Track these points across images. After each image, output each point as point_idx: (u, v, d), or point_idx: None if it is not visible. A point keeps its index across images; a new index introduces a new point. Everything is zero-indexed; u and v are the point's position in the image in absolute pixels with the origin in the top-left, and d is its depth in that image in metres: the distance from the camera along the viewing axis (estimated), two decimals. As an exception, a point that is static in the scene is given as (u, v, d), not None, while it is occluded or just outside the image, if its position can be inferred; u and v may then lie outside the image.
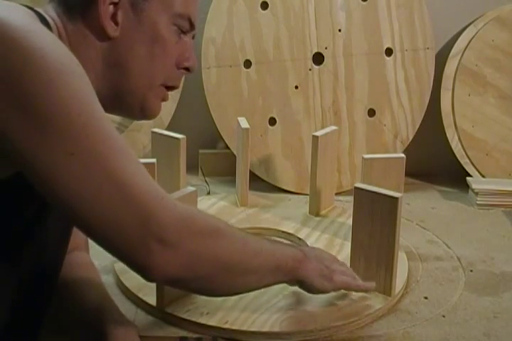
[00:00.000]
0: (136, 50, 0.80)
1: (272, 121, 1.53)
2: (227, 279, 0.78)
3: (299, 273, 0.89)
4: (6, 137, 0.65)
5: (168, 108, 1.54)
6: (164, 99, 0.86)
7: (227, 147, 1.57)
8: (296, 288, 1.03)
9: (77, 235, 0.97)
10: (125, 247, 0.69)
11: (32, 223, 0.76)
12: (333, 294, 1.00)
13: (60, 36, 0.77)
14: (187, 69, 0.86)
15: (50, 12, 0.79)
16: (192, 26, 0.85)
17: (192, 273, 0.73)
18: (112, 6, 0.78)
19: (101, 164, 0.67)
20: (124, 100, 0.82)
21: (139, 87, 0.82)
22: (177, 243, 0.70)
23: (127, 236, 0.68)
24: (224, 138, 1.55)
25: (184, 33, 0.84)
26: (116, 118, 1.54)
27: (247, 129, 1.30)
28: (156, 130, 1.31)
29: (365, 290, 0.98)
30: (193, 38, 0.88)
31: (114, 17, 0.78)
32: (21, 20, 0.68)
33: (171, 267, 0.70)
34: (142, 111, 0.84)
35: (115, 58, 0.80)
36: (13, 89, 0.65)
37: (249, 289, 0.84)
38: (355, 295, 1.01)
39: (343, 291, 0.99)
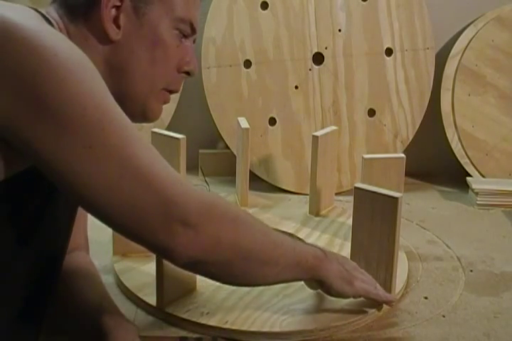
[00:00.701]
0: (137, 54, 0.80)
1: (272, 121, 1.53)
2: (247, 267, 0.79)
3: (319, 272, 0.88)
4: (21, 135, 0.66)
5: (168, 108, 1.54)
6: (165, 102, 0.86)
7: (227, 147, 1.57)
8: (296, 288, 1.03)
9: (77, 235, 0.97)
10: (148, 231, 0.70)
11: (40, 211, 0.77)
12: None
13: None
14: (187, 73, 0.86)
15: (52, 13, 0.79)
16: (193, 30, 0.85)
17: (212, 256, 0.74)
18: (114, 10, 0.78)
19: (119, 154, 0.68)
20: (125, 103, 0.82)
21: (140, 90, 0.82)
22: (199, 225, 0.71)
23: (150, 221, 0.69)
24: (224, 138, 1.55)
25: (185, 37, 0.85)
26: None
27: (247, 129, 1.30)
28: (156, 130, 1.31)
29: (386, 302, 0.96)
30: (194, 42, 0.88)
31: (116, 20, 0.79)
32: (30, 20, 0.69)
33: (192, 248, 0.71)
34: (143, 114, 0.85)
35: (116, 61, 0.80)
36: (28, 88, 0.65)
37: (267, 281, 0.85)
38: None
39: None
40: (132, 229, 0.71)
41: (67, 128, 0.66)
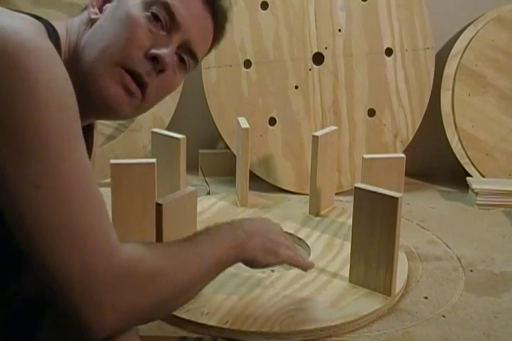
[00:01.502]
0: (103, 28, 0.80)
1: (272, 121, 1.53)
2: (172, 305, 0.78)
3: (241, 256, 0.87)
4: None
5: (168, 108, 1.54)
6: (124, 83, 0.79)
7: (227, 147, 1.57)
8: (296, 288, 1.03)
9: None
10: (67, 301, 0.67)
11: None
12: (334, 297, 1.00)
13: (68, 45, 0.78)
14: (155, 58, 0.80)
15: (72, 24, 0.81)
16: (172, 18, 0.80)
17: (134, 320, 0.72)
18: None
19: (63, 205, 0.66)
20: (84, 86, 0.78)
21: (95, 62, 0.78)
22: (116, 306, 0.68)
23: (69, 291, 0.66)
24: (224, 138, 1.55)
25: (158, 19, 0.80)
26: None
27: (247, 129, 1.30)
28: (156, 130, 1.31)
29: (305, 268, 0.97)
30: (192, 53, 0.84)
31: (100, 8, 0.81)
32: (29, 36, 0.68)
33: (108, 327, 0.68)
34: (103, 99, 0.79)
35: (85, 39, 0.80)
36: (0, 107, 0.64)
37: (194, 295, 0.83)
38: (355, 294, 1.01)
39: (339, 294, 0.99)
40: (52, 287, 0.67)
41: (24, 159, 0.65)
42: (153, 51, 0.79)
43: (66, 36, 0.79)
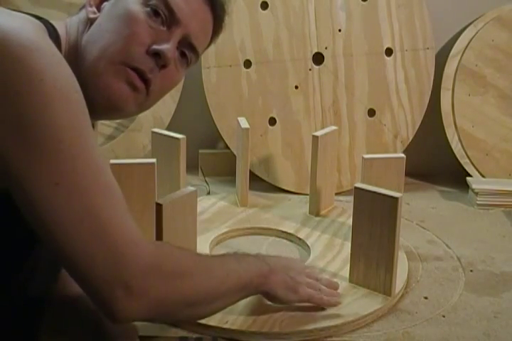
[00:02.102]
0: (103, 26, 0.79)
1: (272, 121, 1.53)
2: (193, 311, 0.79)
3: (263, 287, 0.88)
4: (1, 154, 0.65)
5: (168, 108, 1.54)
6: (128, 80, 0.80)
7: (227, 147, 1.57)
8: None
9: None
10: (92, 286, 0.68)
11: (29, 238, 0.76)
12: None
13: (68, 44, 0.78)
14: (157, 54, 0.80)
15: (71, 23, 0.81)
16: (171, 13, 0.81)
17: (157, 314, 0.73)
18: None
19: (83, 199, 0.67)
20: (88, 85, 0.77)
21: (98, 60, 0.78)
22: (143, 291, 0.69)
23: (95, 277, 0.67)
24: (224, 138, 1.55)
25: (157, 14, 0.80)
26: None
27: (247, 129, 1.30)
28: (156, 130, 1.31)
29: (328, 305, 0.96)
30: (193, 48, 0.85)
31: (98, 7, 0.81)
32: (31, 36, 0.68)
33: (133, 313, 0.70)
34: (107, 97, 0.79)
35: (85, 39, 0.80)
36: (9, 108, 0.64)
37: (215, 312, 0.84)
38: (355, 295, 1.01)
39: (343, 293, 0.99)
40: (79, 277, 0.69)
41: (39, 158, 0.65)
42: (155, 47, 0.79)
43: (66, 35, 0.79)
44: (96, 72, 0.79)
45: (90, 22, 0.80)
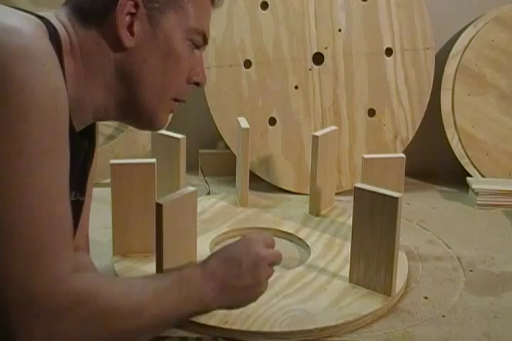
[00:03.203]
0: (149, 63, 0.80)
1: (272, 121, 1.53)
2: None
3: (207, 310, 0.81)
4: None
5: (168, 108, 1.54)
6: (172, 111, 0.86)
7: (227, 147, 1.57)
8: (296, 288, 1.03)
9: (77, 236, 0.97)
10: (1, 302, 0.63)
11: None
12: (334, 297, 1.00)
13: (70, 44, 0.76)
14: (197, 83, 0.86)
15: (61, 17, 0.78)
16: (205, 41, 0.85)
17: None
18: (129, 16, 0.77)
19: (22, 217, 0.63)
20: (134, 111, 0.82)
21: (150, 100, 0.82)
22: (45, 335, 0.64)
23: (7, 297, 0.63)
24: (224, 138, 1.55)
25: (197, 47, 0.84)
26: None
27: (247, 129, 1.30)
28: (156, 130, 1.31)
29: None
30: (204, 50, 0.88)
31: (130, 27, 0.78)
32: (26, 41, 0.66)
33: None
34: (150, 124, 0.85)
35: (128, 69, 0.79)
36: None
37: (148, 338, 0.77)
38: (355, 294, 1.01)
39: (339, 294, 0.99)
40: None
41: None
42: (196, 79, 0.85)
43: (68, 37, 0.77)
44: (144, 106, 0.82)
45: (123, 47, 0.78)
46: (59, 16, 0.78)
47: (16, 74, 0.64)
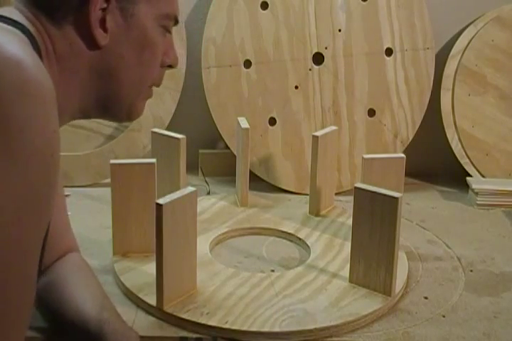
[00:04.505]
0: (126, 58, 0.77)
1: (272, 121, 1.53)
2: None
3: None
4: None
5: (168, 108, 1.54)
6: (150, 97, 0.84)
7: (227, 147, 1.57)
8: (296, 288, 1.03)
9: (66, 236, 0.96)
10: None
11: None
12: (334, 297, 1.00)
13: (46, 49, 0.72)
14: (170, 66, 0.83)
15: (26, 13, 0.72)
16: (177, 22, 0.82)
17: None
18: (100, 12, 0.73)
19: None
20: (113, 107, 0.80)
21: (129, 93, 0.80)
22: None
23: None
24: (224, 138, 1.55)
25: (169, 31, 0.82)
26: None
27: (247, 129, 1.30)
28: (156, 130, 1.31)
29: None
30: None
31: (103, 24, 0.73)
32: (28, 72, 0.60)
33: None
34: (129, 115, 0.82)
35: (104, 67, 0.76)
36: None
37: None
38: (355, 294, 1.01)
39: (339, 294, 0.99)
40: None
41: None
42: (169, 62, 0.82)
43: (43, 44, 0.72)
44: (124, 100, 0.80)
45: (97, 45, 0.74)
46: (25, 13, 0.72)
47: (15, 114, 0.58)
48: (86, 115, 0.81)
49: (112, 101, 0.79)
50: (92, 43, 0.74)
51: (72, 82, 0.75)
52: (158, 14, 0.78)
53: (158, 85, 0.84)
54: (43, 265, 0.91)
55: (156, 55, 0.80)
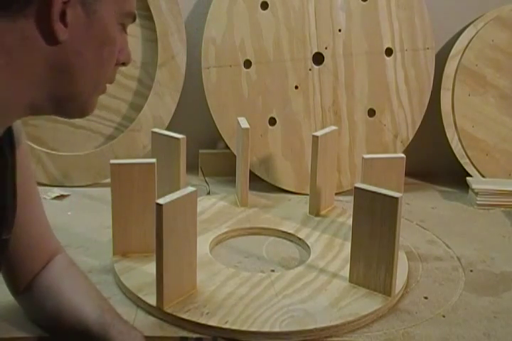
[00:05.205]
0: (85, 56, 0.73)
1: (272, 121, 1.53)
2: None
3: None
4: None
5: (168, 108, 1.54)
6: (103, 93, 0.80)
7: (227, 147, 1.57)
8: (296, 288, 1.03)
9: (50, 238, 0.95)
10: None
11: None
12: (334, 297, 1.00)
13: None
14: (123, 63, 0.79)
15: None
16: (134, 20, 0.79)
17: None
18: (61, 5, 0.68)
19: None
20: (66, 104, 0.76)
21: (85, 91, 0.76)
22: None
23: None
24: (224, 138, 1.55)
25: (125, 29, 0.78)
26: (116, 118, 1.54)
27: (247, 129, 1.30)
28: (156, 130, 1.31)
29: None
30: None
31: (63, 18, 0.69)
32: None
33: None
34: (83, 112, 0.78)
35: (61, 64, 0.72)
36: None
37: None
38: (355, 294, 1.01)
39: (339, 294, 0.99)
40: None
41: None
42: (123, 60, 0.79)
43: None
44: (80, 97, 0.76)
45: (55, 40, 0.70)
46: None
47: None
48: (37, 111, 0.76)
49: (66, 98, 0.75)
50: (51, 38, 0.69)
51: (24, 76, 0.71)
52: (120, 12, 0.75)
53: (111, 82, 0.79)
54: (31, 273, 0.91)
55: (114, 53, 0.76)
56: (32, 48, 0.69)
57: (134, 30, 1.49)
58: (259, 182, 1.52)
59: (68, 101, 0.75)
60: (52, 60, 0.71)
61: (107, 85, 0.79)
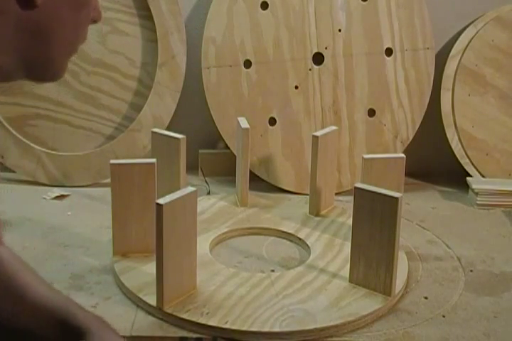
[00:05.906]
0: (61, 19, 0.70)
1: (272, 121, 1.53)
2: None
3: None
4: None
5: (168, 108, 1.54)
6: (75, 54, 0.76)
7: (227, 147, 1.57)
8: (296, 288, 1.03)
9: None
10: None
11: None
12: (334, 297, 1.00)
13: None
14: (94, 21, 0.76)
15: None
16: None
17: None
18: None
19: None
20: (39, 67, 0.73)
21: (60, 54, 0.73)
22: None
23: None
24: (224, 138, 1.55)
25: None
26: (116, 118, 1.54)
27: (247, 129, 1.30)
28: (156, 130, 1.31)
29: None
30: None
31: None
32: None
33: None
34: (54, 75, 0.75)
35: (37, 28, 0.69)
36: None
37: None
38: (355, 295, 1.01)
39: (339, 294, 0.99)
40: None
41: None
42: (95, 18, 0.75)
43: None
44: (54, 60, 0.73)
45: (32, 4, 0.67)
46: None
47: None
48: (8, 77, 0.74)
49: (40, 62, 0.73)
50: (27, 1, 0.66)
51: None
52: None
53: (83, 42, 0.76)
54: None
55: (89, 13, 0.73)
56: (4, 13, 0.67)
57: (134, 30, 1.49)
58: (259, 182, 1.52)
59: (41, 65, 0.73)
60: (27, 24, 0.68)
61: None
